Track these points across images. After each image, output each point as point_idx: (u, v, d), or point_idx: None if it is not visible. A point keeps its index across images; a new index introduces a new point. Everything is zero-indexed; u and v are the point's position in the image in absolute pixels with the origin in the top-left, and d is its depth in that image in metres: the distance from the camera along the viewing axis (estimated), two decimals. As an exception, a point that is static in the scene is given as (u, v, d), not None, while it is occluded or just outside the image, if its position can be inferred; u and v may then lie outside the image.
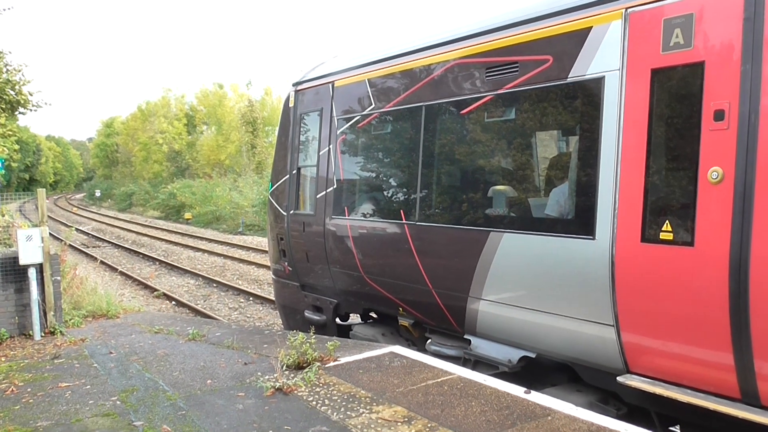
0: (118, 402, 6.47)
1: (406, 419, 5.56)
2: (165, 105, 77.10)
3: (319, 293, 10.19)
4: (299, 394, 6.36)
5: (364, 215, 8.80)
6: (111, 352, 8.62)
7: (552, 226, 6.16)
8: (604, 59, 5.72)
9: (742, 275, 4.70)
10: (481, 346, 7.27)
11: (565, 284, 6.02)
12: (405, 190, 8.16)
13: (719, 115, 4.86)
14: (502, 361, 6.97)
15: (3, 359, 8.47)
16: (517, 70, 6.55)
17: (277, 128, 11.44)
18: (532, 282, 6.39)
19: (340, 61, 9.88)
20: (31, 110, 18.17)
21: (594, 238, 5.70)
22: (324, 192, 9.55)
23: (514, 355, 6.86)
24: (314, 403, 6.09)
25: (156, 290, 18.94)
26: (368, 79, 8.77)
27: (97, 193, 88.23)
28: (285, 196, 10.69)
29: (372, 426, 5.46)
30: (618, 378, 5.71)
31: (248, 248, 28.43)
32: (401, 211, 8.04)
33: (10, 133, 19.86)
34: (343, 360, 7.44)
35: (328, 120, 9.55)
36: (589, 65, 5.85)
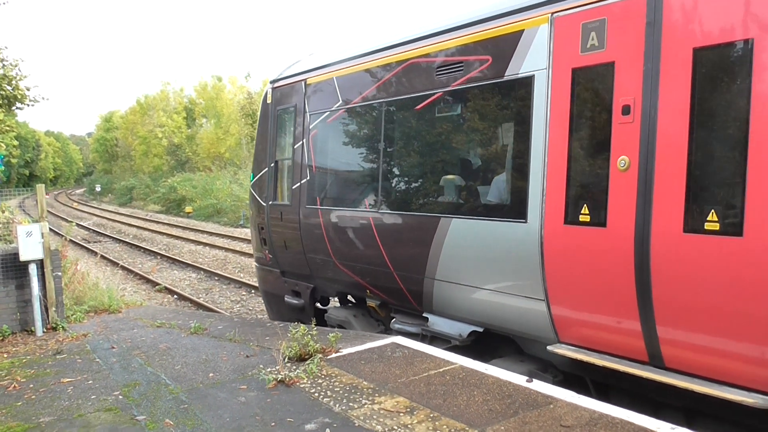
0: (120, 397, 6.48)
1: (409, 409, 5.56)
2: (164, 98, 77.00)
3: (297, 279, 10.79)
4: (301, 386, 6.36)
5: (334, 204, 9.46)
6: (113, 347, 8.63)
7: (493, 211, 6.88)
8: (534, 59, 6.35)
9: (644, 251, 5.36)
10: (436, 323, 7.92)
11: (504, 263, 6.71)
12: (368, 180, 8.84)
13: (626, 110, 5.51)
14: (454, 336, 7.63)
15: (5, 355, 8.47)
16: (462, 69, 7.22)
17: (258, 123, 12.02)
18: (476, 262, 7.06)
19: (312, 60, 10.52)
20: (28, 105, 18.13)
21: (526, 221, 6.38)
22: (299, 183, 10.18)
23: (464, 330, 7.53)
24: (316, 394, 6.09)
25: (158, 284, 18.96)
26: (336, 77, 9.44)
27: (98, 188, 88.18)
28: (264, 187, 11.30)
29: (374, 417, 5.46)
30: (548, 347, 6.42)
31: (249, 241, 28.35)
32: (365, 200, 8.73)
33: (9, 128, 19.80)
34: (344, 351, 7.44)
35: (302, 115, 10.19)
36: (521, 65, 6.49)
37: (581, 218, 5.88)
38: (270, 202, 11.11)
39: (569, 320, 6.20)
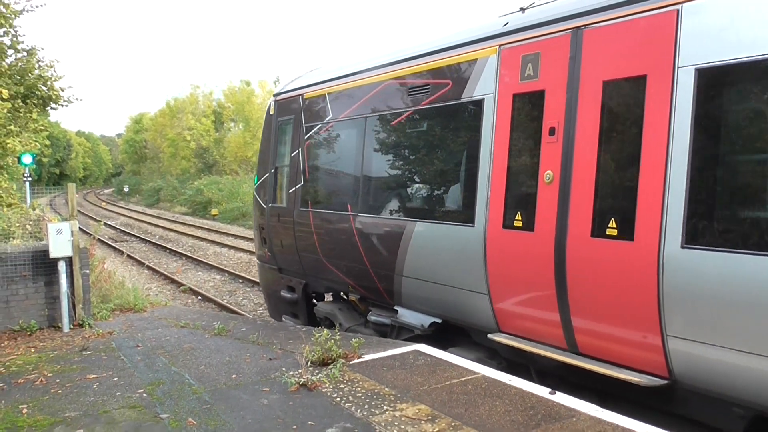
0: (144, 394, 6.55)
1: (430, 417, 5.56)
2: (193, 102, 77.55)
3: (291, 275, 11.73)
4: (323, 390, 6.38)
5: (322, 208, 10.42)
6: (138, 346, 8.72)
7: (448, 216, 7.81)
8: (485, 85, 7.29)
9: (562, 253, 6.24)
10: (404, 315, 8.78)
11: (456, 262, 7.60)
12: (350, 187, 9.78)
13: (552, 131, 6.41)
14: (417, 326, 8.51)
15: (33, 350, 8.61)
16: (428, 91, 8.17)
17: (262, 131, 13.07)
18: (435, 260, 7.95)
19: (310, 77, 11.61)
20: (62, 106, 18.25)
21: (474, 225, 7.28)
22: (294, 188, 11.14)
23: (426, 321, 8.42)
24: (338, 399, 6.11)
25: (182, 285, 19.12)
26: (327, 94, 10.46)
27: (126, 189, 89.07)
28: (266, 191, 12.27)
29: (396, 423, 5.46)
30: (488, 335, 7.30)
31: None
32: (348, 204, 9.60)
33: (42, 128, 20.03)
34: (367, 357, 7.46)
35: (299, 127, 11.16)
36: (474, 89, 7.44)
37: (516, 223, 6.81)
38: (270, 205, 12.04)
39: (507, 312, 7.12)
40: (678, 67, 5.43)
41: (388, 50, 9.64)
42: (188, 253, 26.03)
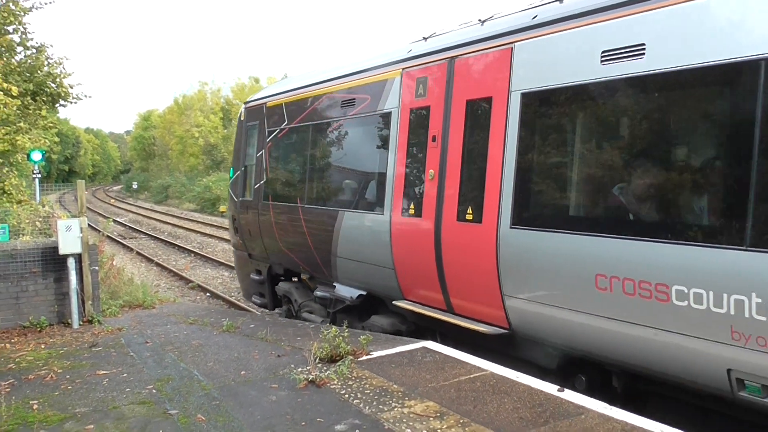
0: (153, 390, 6.58)
1: (438, 414, 5.56)
2: (201, 99, 77.60)
3: (258, 260, 13.40)
4: (332, 387, 6.39)
5: (279, 200, 11.98)
6: (147, 342, 8.76)
7: (366, 206, 9.42)
8: (392, 100, 8.91)
9: (438, 234, 7.83)
10: (339, 289, 10.25)
11: (372, 243, 9.11)
12: (299, 182, 11.50)
13: (434, 139, 8.05)
14: (347, 298, 10.00)
15: (43, 346, 8.66)
16: (353, 104, 9.82)
17: (235, 134, 15.09)
18: (358, 242, 9.53)
19: (271, 88, 13.80)
20: (71, 103, 18.30)
21: (383, 214, 8.81)
22: (259, 183, 12.76)
23: (354, 293, 9.90)
24: (346, 396, 6.12)
25: (191, 282, 19.18)
26: (284, 103, 12.03)
27: (134, 186, 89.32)
28: (237, 186, 13.95)
29: (404, 420, 5.47)
30: (393, 302, 8.85)
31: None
32: (297, 198, 11.27)
33: (51, 125, 20.06)
34: (375, 354, 7.46)
35: (263, 131, 12.79)
36: (386, 103, 9.05)
37: (410, 211, 8.39)
38: (240, 198, 13.75)
39: (408, 283, 8.65)
40: (511, 91, 6.96)
41: (330, 67, 11.52)
42: (197, 250, 26.09)
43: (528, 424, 5.32)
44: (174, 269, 21.58)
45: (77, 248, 9.88)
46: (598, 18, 6.13)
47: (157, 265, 22.88)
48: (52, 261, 9.96)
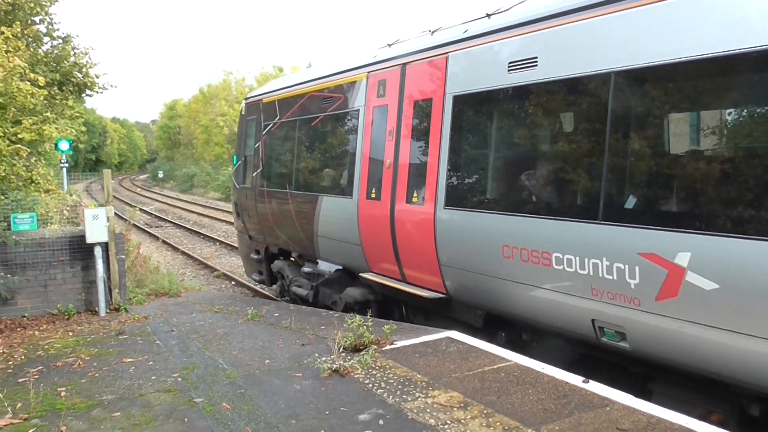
0: (179, 379, 6.63)
1: (462, 405, 5.54)
2: (226, 88, 77.84)
3: (257, 241, 14.80)
4: (355, 376, 6.40)
5: (272, 187, 13.38)
6: (172, 330, 8.84)
7: (340, 191, 10.67)
8: (360, 99, 10.18)
9: (393, 215, 9.10)
10: (321, 265, 11.76)
11: (345, 224, 10.37)
12: (288, 171, 12.83)
13: (390, 133, 9.32)
14: (327, 272, 11.51)
15: (70, 334, 8.77)
16: (331, 102, 11.15)
17: (238, 127, 16.90)
18: (334, 223, 10.84)
19: (267, 86, 15.30)
20: (97, 92, 18.39)
21: (352, 198, 10.09)
22: (256, 172, 14.17)
23: (332, 268, 11.38)
24: (370, 385, 6.12)
25: (216, 270, 19.30)
26: (276, 100, 13.40)
27: (160, 174, 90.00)
28: (239, 175, 15.47)
29: (428, 410, 5.45)
30: (360, 274, 10.18)
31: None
32: (287, 184, 12.59)
33: (78, 115, 20.20)
34: (399, 344, 7.46)
35: (259, 124, 14.18)
36: (355, 102, 10.36)
37: (372, 196, 9.65)
38: (241, 185, 15.20)
39: (372, 257, 9.91)
40: (446, 94, 8.26)
41: (317, 68, 13.60)
42: (222, 239, 26.24)
43: (552, 415, 5.28)
44: (199, 258, 21.74)
45: (104, 237, 9.99)
46: (508, 34, 7.40)
47: (183, 253, 23.06)
48: (80, 249, 10.08)
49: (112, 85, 18.96)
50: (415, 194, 8.73)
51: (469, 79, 7.96)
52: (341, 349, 7.16)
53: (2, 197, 10.27)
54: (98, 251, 9.92)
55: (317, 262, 11.83)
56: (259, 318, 9.42)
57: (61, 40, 17.54)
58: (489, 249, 7.44)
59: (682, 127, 6.21)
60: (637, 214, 5.86)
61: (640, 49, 5.81)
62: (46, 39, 17.30)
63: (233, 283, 17.81)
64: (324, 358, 6.94)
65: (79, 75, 17.55)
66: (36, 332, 8.91)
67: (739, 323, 5.09)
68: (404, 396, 5.82)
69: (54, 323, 9.42)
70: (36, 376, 6.80)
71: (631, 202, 5.99)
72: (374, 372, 6.50)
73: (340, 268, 11.14)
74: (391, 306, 10.07)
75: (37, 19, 16.73)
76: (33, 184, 13.80)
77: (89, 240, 9.87)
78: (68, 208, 12.46)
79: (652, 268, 5.58)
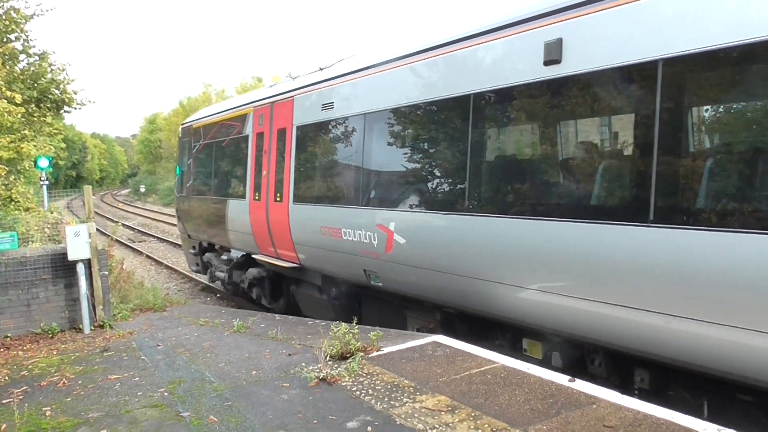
0: (166, 393, 6.59)
1: (450, 408, 5.56)
2: (206, 100, 77.42)
3: (193, 238, 18.20)
4: (343, 384, 6.40)
5: (199, 194, 16.96)
6: (158, 345, 8.79)
7: (238, 195, 13.94)
8: (249, 128, 13.66)
9: (268, 211, 12.38)
10: (233, 252, 15.06)
11: (242, 219, 13.65)
12: (209, 180, 16.39)
13: (266, 152, 12.73)
14: (235, 257, 14.80)
15: (55, 352, 8.69)
16: (233, 128, 14.79)
17: (177, 146, 22.20)
18: (236, 220, 14.08)
19: (197, 114, 18.96)
20: (75, 108, 18.25)
21: (245, 199, 13.45)
22: (189, 183, 17.88)
23: (239, 254, 14.64)
24: (358, 392, 6.12)
25: (201, 283, 19.20)
26: (201, 126, 17.12)
27: (142, 189, 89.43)
28: (178, 185, 19.19)
29: (416, 415, 5.46)
30: (253, 256, 13.65)
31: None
32: (208, 191, 16.28)
33: (56, 131, 20.12)
34: (385, 350, 7.46)
35: (190, 145, 17.83)
36: (246, 129, 13.83)
37: (256, 197, 12.95)
38: (180, 194, 18.94)
39: (259, 242, 13.07)
40: (293, 125, 11.69)
41: (228, 102, 17.70)
42: (206, 251, 26.04)
43: (540, 415, 5.30)
44: (184, 271, 21.62)
45: (86, 254, 9.92)
46: (321, 86, 10.96)
47: (167, 267, 22.96)
48: (62, 267, 10.00)
49: (90, 101, 18.90)
50: (279, 194, 12.01)
51: (304, 114, 11.42)
52: (328, 358, 7.16)
53: (-19, 217, 10.17)
54: (81, 268, 9.84)
55: (230, 251, 15.15)
56: (246, 329, 9.39)
57: (37, 57, 17.44)
58: (314, 229, 10.75)
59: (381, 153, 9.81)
60: (374, 201, 9.42)
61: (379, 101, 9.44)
62: (22, 56, 17.18)
63: (218, 295, 17.76)
64: (311, 367, 6.93)
65: (57, 91, 17.45)
66: (20, 352, 8.82)
67: (419, 261, 8.38)
68: (392, 402, 5.82)
69: (38, 342, 9.34)
70: (20, 397, 6.73)
71: (372, 194, 9.54)
72: (362, 379, 6.50)
73: (244, 253, 14.33)
74: (279, 279, 13.50)
75: (12, 36, 16.62)
76: (12, 203, 13.73)
77: (71, 257, 9.80)
78: (49, 226, 12.36)
79: (381, 233, 8.94)
